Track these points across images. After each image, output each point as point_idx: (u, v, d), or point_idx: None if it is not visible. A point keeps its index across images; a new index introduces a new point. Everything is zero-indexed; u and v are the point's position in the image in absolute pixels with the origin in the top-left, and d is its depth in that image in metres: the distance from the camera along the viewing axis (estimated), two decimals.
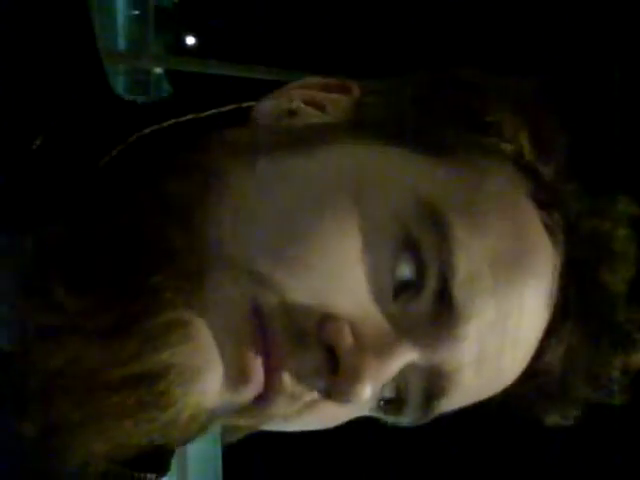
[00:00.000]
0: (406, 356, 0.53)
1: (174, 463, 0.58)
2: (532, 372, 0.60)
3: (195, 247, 0.51)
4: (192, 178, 0.54)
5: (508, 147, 0.59)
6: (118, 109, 0.63)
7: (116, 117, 0.62)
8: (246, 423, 0.56)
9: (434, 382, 0.55)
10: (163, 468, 0.56)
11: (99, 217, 0.55)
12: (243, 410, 0.53)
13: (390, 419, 0.59)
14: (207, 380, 0.50)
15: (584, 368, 0.62)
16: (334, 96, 0.62)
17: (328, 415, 0.55)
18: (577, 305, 0.60)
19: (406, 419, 0.58)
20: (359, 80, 0.64)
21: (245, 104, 0.62)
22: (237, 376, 0.51)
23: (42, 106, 0.59)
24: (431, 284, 0.53)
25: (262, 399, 0.52)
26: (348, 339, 0.51)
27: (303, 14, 4.77)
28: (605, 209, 0.61)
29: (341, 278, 0.52)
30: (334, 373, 0.51)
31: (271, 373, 0.51)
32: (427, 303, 0.54)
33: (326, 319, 0.52)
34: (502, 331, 0.55)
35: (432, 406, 0.57)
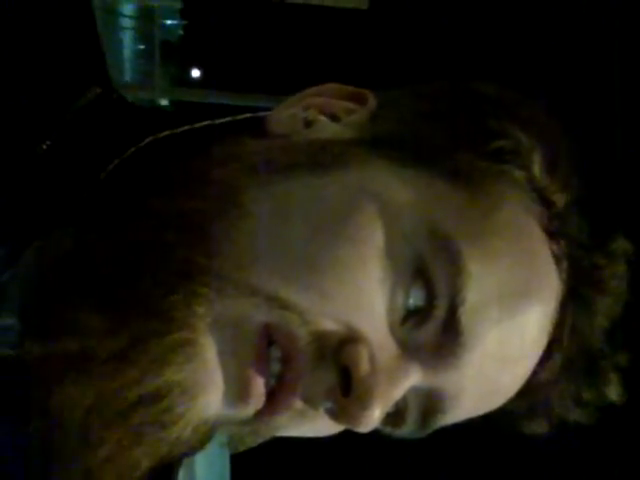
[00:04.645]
0: (413, 380, 0.55)
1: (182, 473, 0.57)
2: (524, 390, 0.61)
3: (210, 269, 0.51)
4: (208, 195, 0.54)
5: (522, 174, 0.59)
6: (132, 113, 0.62)
7: (129, 121, 0.61)
8: (248, 433, 0.56)
9: (433, 401, 0.57)
10: None
11: (110, 230, 0.54)
12: (245, 422, 0.54)
13: (387, 430, 0.60)
14: (209, 395, 0.51)
15: (563, 392, 0.64)
16: (350, 105, 0.61)
17: (329, 424, 0.56)
18: (570, 334, 0.61)
19: (403, 432, 0.59)
20: (373, 90, 0.63)
21: (261, 113, 0.62)
22: (237, 394, 0.51)
23: (50, 109, 0.58)
24: (440, 312, 0.54)
25: (265, 414, 0.53)
26: (365, 363, 0.52)
27: (304, 47, 4.83)
28: (606, 245, 0.62)
29: (362, 303, 0.53)
30: (345, 395, 0.52)
31: (283, 393, 0.52)
32: (434, 330, 0.55)
33: (347, 341, 0.52)
34: (503, 356, 0.57)
35: (429, 423, 0.58)
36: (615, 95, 3.39)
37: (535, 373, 0.61)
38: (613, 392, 0.63)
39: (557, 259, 0.60)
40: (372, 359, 0.53)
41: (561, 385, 0.63)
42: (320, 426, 0.57)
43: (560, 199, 0.61)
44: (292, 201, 0.55)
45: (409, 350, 0.55)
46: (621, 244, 0.63)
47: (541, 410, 0.65)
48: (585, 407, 0.64)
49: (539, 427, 0.66)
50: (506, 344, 0.56)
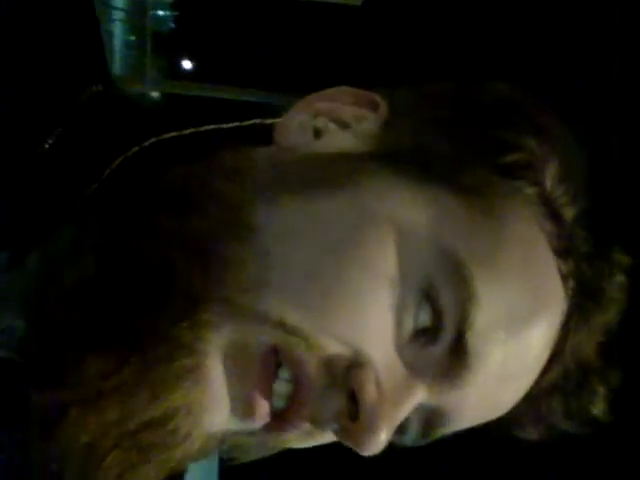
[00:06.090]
0: (419, 398, 0.56)
1: None
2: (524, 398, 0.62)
3: (217, 294, 0.52)
4: (215, 214, 0.54)
5: (534, 190, 0.59)
6: (132, 110, 0.62)
7: (130, 118, 0.61)
8: (255, 445, 0.57)
9: (435, 415, 0.58)
10: None
11: (116, 247, 0.53)
12: (253, 433, 0.55)
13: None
14: (213, 415, 0.52)
15: (554, 402, 0.65)
16: (360, 111, 0.60)
17: (334, 437, 0.57)
18: (571, 347, 0.62)
19: (404, 441, 0.60)
20: (385, 90, 0.62)
21: (268, 120, 0.62)
22: (242, 414, 0.53)
23: (50, 107, 0.58)
24: (447, 335, 0.55)
25: (272, 429, 0.54)
26: (372, 389, 0.53)
27: (299, 39, 4.83)
28: (610, 259, 0.63)
29: (370, 326, 0.54)
30: (352, 420, 0.53)
31: (291, 416, 0.53)
32: (440, 351, 0.56)
33: (354, 365, 0.53)
34: (506, 374, 0.58)
35: (430, 434, 0.60)
36: (615, 102, 3.39)
37: (535, 383, 0.63)
38: (598, 408, 0.65)
39: (564, 278, 0.61)
40: (378, 382, 0.53)
41: (553, 395, 0.65)
42: (325, 439, 0.59)
43: (569, 212, 0.61)
44: (301, 223, 0.55)
45: (415, 369, 0.56)
46: (622, 256, 0.64)
47: (532, 418, 0.67)
48: (572, 419, 0.66)
49: (530, 434, 0.68)
50: (510, 363, 0.57)
